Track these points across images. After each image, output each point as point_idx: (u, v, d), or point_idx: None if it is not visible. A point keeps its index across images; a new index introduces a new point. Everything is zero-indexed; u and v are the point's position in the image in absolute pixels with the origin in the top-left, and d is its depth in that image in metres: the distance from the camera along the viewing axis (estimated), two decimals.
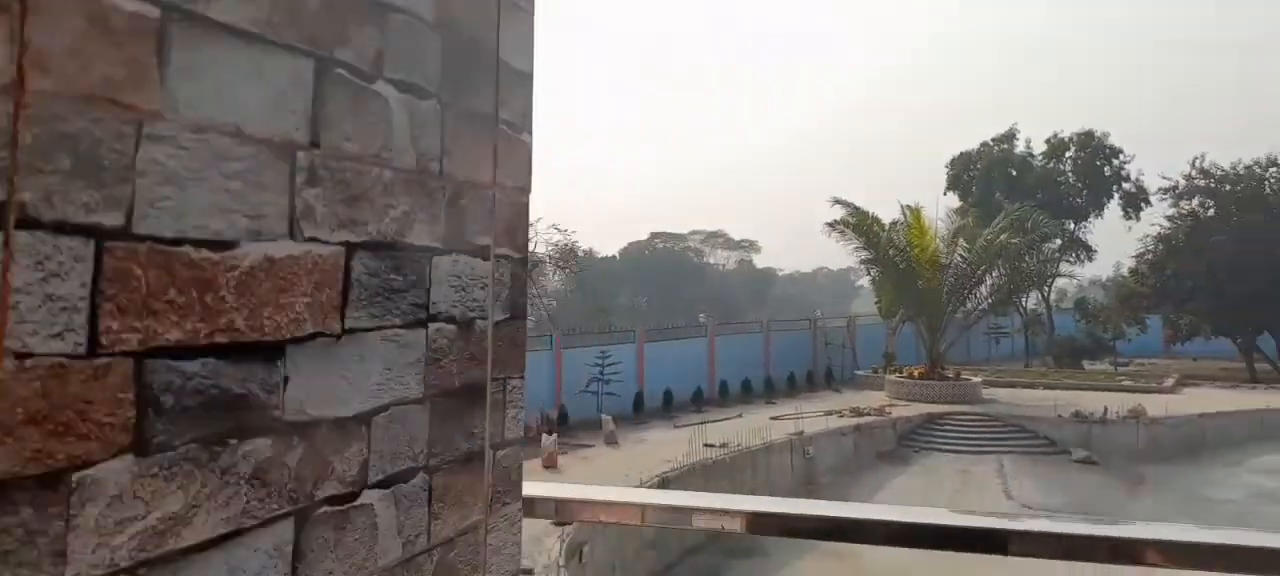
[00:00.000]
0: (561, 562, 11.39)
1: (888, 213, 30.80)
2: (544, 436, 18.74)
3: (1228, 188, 35.17)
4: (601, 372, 24.24)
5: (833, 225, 30.91)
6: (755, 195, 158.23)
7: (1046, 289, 46.03)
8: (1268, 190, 35.25)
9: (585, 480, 16.28)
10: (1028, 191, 42.35)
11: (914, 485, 20.82)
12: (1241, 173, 35.43)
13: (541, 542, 12.28)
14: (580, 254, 52.08)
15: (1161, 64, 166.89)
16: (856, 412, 25.19)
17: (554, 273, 48.73)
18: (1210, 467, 22.56)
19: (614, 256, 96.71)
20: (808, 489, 20.52)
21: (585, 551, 12.76)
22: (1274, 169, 36.23)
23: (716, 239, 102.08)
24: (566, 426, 22.57)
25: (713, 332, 31.58)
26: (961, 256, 30.25)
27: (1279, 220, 33.22)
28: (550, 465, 17.66)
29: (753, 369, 31.74)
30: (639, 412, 25.75)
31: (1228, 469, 22.37)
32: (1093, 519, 1.37)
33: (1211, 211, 35.20)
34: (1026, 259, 35.89)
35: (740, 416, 25.11)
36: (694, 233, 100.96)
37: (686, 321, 49.43)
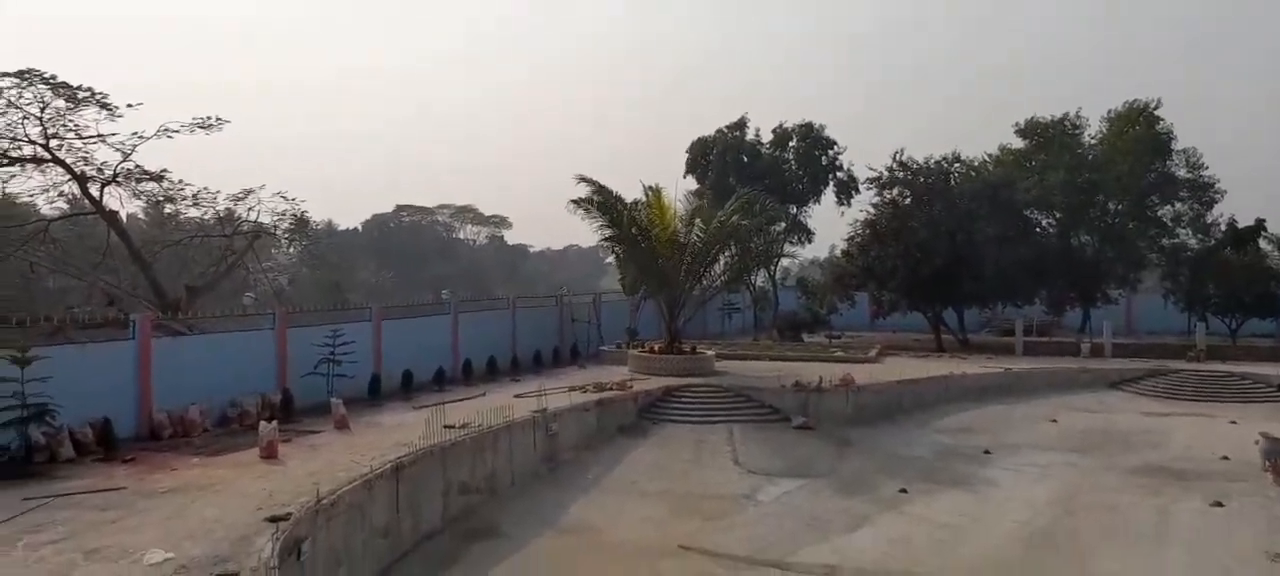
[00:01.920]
0: (274, 564, 10.34)
1: (631, 192, 31.50)
2: (262, 424, 17.11)
3: (922, 179, 39.72)
4: (332, 352, 22.68)
5: (578, 203, 31.12)
6: (506, 170, 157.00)
7: (773, 267, 49.76)
8: (952, 182, 40.30)
9: (311, 470, 15.06)
10: (757, 177, 45.39)
11: (651, 456, 21.49)
12: (932, 167, 40.18)
13: (251, 542, 11.12)
14: (316, 225, 48.72)
15: (868, 61, 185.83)
16: (599, 388, 25.59)
17: (288, 245, 45.05)
18: (906, 428, 25.39)
19: (356, 229, 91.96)
20: (550, 466, 20.52)
21: (304, 548, 11.71)
22: (957, 164, 41.56)
23: (466, 214, 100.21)
24: (293, 412, 20.88)
25: (456, 310, 30.71)
26: (698, 236, 31.66)
27: (958, 209, 38.10)
28: (269, 456, 16.16)
29: (499, 347, 31.34)
30: (375, 395, 24.46)
31: (919, 429, 25.29)
32: None
33: (908, 200, 39.60)
34: (756, 240, 38.49)
35: (484, 395, 24.63)
36: (443, 206, 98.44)
37: (433, 298, 47.96)
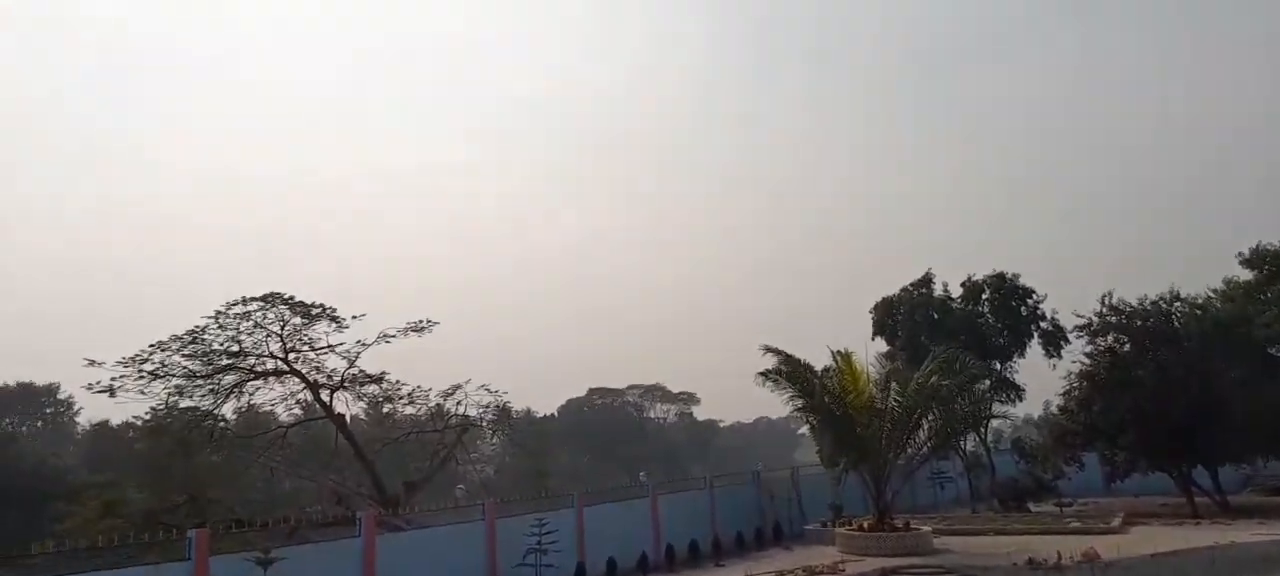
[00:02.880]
0: None
1: (819, 359, 30.75)
2: None
3: (1139, 322, 36.28)
4: (539, 542, 22.89)
5: (766, 374, 30.68)
6: (692, 348, 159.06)
7: (983, 430, 46.34)
8: (1176, 324, 36.49)
9: None
10: (951, 333, 43.17)
11: None
12: (1149, 308, 36.67)
13: None
14: (516, 414, 50.80)
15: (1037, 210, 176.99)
16: (810, 572, 24.19)
17: (492, 435, 47.20)
18: None
19: (552, 415, 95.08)
20: None
21: None
22: (1178, 303, 37.69)
23: (655, 392, 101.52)
24: None
25: (655, 493, 30.49)
26: (896, 400, 30.17)
27: (1190, 353, 34.22)
28: None
29: (699, 529, 30.58)
30: None
31: None
32: None
33: (1127, 346, 36.13)
34: (959, 400, 36.10)
35: None
36: (632, 387, 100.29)
37: (629, 480, 48.07)
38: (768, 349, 30.76)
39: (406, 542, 22.49)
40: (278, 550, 17.64)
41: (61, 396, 62.97)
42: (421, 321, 33.58)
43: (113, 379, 29.11)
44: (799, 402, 31.00)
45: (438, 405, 36.51)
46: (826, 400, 30.20)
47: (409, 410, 37.00)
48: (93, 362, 32.03)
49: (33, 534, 29.06)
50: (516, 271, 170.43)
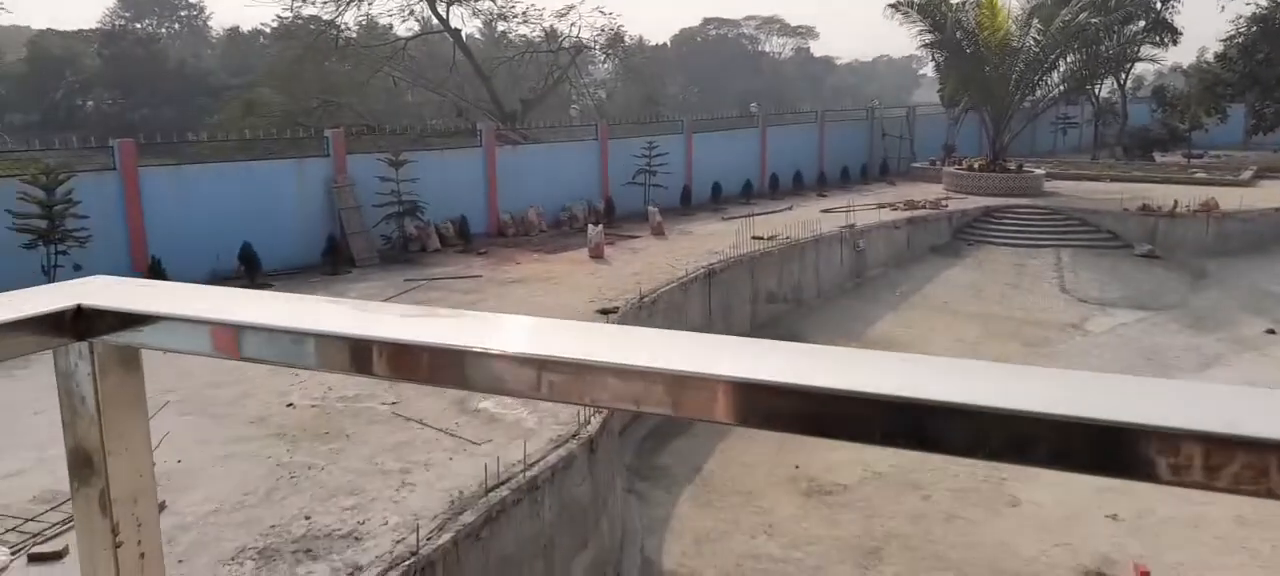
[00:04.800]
0: None
1: None
2: (590, 227, 18.58)
3: None
4: (649, 164, 23.70)
5: (896, 5, 28.88)
6: None
7: (1123, 75, 43.27)
8: None
9: (634, 270, 16.19)
10: None
11: (966, 277, 20.45)
12: None
13: None
14: (628, 40, 50.12)
15: None
16: (910, 205, 24.49)
17: (604, 60, 47.12)
18: (1278, 261, 21.66)
19: (665, 44, 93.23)
20: (856, 282, 20.29)
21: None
22: None
23: (772, 25, 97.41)
24: (613, 218, 22.35)
25: (764, 124, 30.51)
26: (1035, 39, 28.20)
27: None
28: (597, 255, 17.58)
29: (805, 162, 30.86)
30: (686, 205, 25.38)
31: None
32: None
33: None
34: (1106, 41, 33.44)
35: (790, 209, 24.61)
36: (749, 18, 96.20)
37: (739, 112, 48.12)
38: None
39: (524, 156, 23.64)
40: (407, 154, 18.90)
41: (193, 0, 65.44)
42: None
43: None
44: (928, 38, 29.45)
45: (551, 26, 36.31)
46: (958, 36, 28.51)
47: (523, 30, 36.99)
48: None
49: (184, 127, 31.85)
50: None
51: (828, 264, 19.63)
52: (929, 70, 52.52)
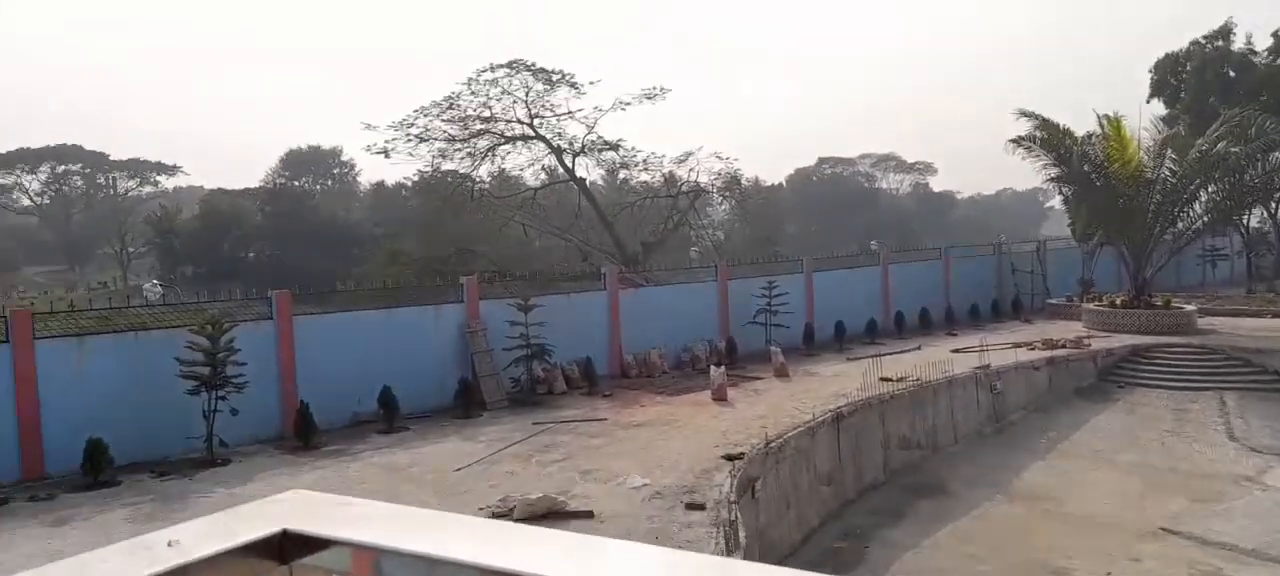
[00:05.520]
0: (733, 499, 11.15)
1: (1081, 124, 27.97)
2: (712, 368, 18.52)
3: None
4: (769, 303, 23.67)
5: (1018, 141, 28.45)
6: (929, 117, 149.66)
7: (1274, 204, 40.75)
8: None
9: (758, 413, 15.95)
10: (1250, 94, 37.33)
11: (1119, 423, 19.10)
12: None
13: (711, 476, 12.10)
14: (745, 182, 51.10)
15: None
16: (1050, 344, 23.36)
17: (720, 202, 48.16)
18: None
19: (780, 184, 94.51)
20: (996, 426, 19.29)
21: (758, 487, 12.47)
22: None
23: (888, 162, 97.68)
24: (735, 358, 22.25)
25: (886, 260, 30.15)
26: (1170, 170, 27.10)
27: None
28: (720, 398, 17.44)
29: (931, 299, 30.12)
30: (809, 344, 25.05)
31: None
32: None
33: None
34: (1249, 170, 31.74)
35: (918, 349, 23.91)
36: (864, 156, 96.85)
37: (858, 250, 47.78)
38: (1022, 113, 28.36)
39: (646, 297, 24.07)
40: (535, 298, 19.59)
41: (344, 158, 71.27)
42: (655, 88, 33.97)
43: (386, 142, 32.43)
44: (1053, 171, 28.79)
45: (670, 172, 37.49)
46: (1086, 169, 27.74)
47: (644, 176, 38.32)
48: (369, 126, 36.21)
49: (334, 275, 34.12)
50: (748, 38, 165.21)
51: (964, 407, 18.79)
52: (1056, 202, 51.01)
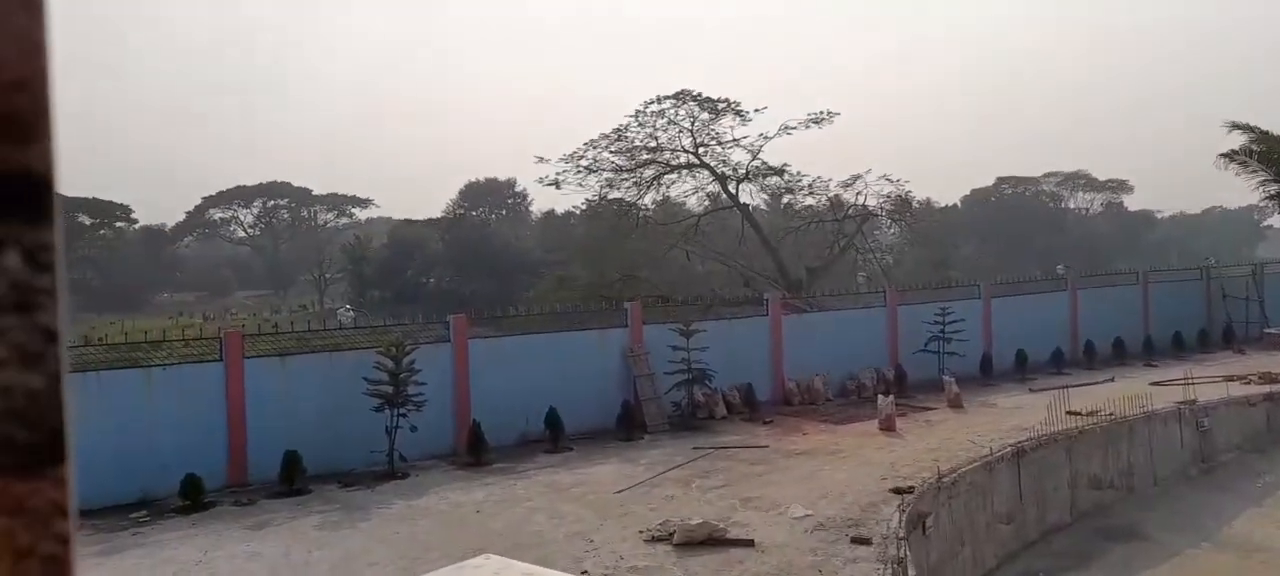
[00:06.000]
0: (902, 534, 10.63)
1: None
2: (880, 397, 17.84)
3: None
4: (942, 330, 22.56)
5: (1230, 155, 25.90)
6: (1126, 131, 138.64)
7: None
8: None
9: (929, 446, 15.20)
10: None
11: None
12: None
13: (877, 510, 11.61)
14: (916, 204, 49.28)
15: None
16: (1269, 379, 20.88)
17: (889, 226, 46.60)
18: None
19: (955, 205, 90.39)
20: (1202, 467, 17.43)
21: (929, 522, 11.83)
22: None
23: (1077, 181, 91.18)
24: (904, 387, 21.33)
25: (1074, 286, 28.05)
26: None
27: None
28: (887, 428, 16.75)
29: (1127, 327, 27.66)
30: (986, 374, 23.64)
31: None
32: None
33: None
34: None
35: (1112, 381, 22.02)
36: (1049, 175, 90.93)
37: (1042, 274, 44.82)
38: (1234, 125, 25.83)
39: (809, 323, 23.58)
40: (697, 323, 19.63)
41: (518, 189, 74.85)
42: (821, 113, 33.45)
43: (557, 173, 33.65)
44: (1273, 188, 25.95)
45: (836, 195, 36.67)
46: None
47: (809, 201, 37.69)
48: (541, 159, 37.78)
49: (505, 300, 35.68)
50: (922, 54, 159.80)
51: (1164, 445, 17.11)
52: (1276, 220, 45.90)
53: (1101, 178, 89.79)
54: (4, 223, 0.46)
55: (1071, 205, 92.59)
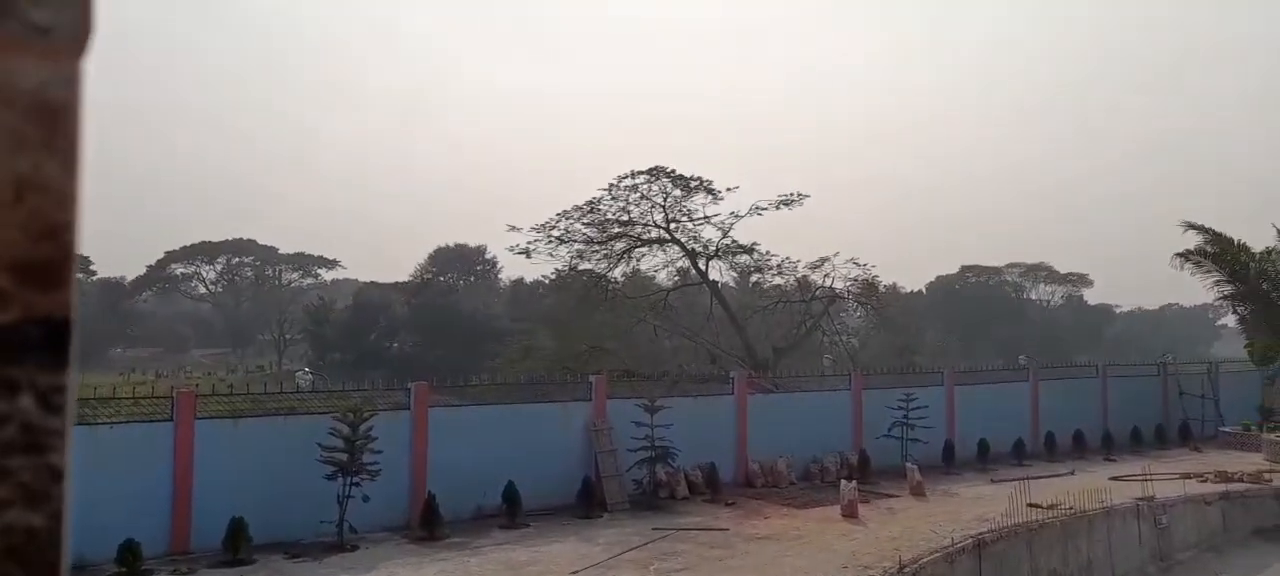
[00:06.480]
0: None
1: (1259, 238, 25.82)
2: (843, 482, 17.72)
3: None
4: (906, 416, 22.59)
5: (1186, 255, 26.58)
6: (1084, 225, 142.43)
7: None
8: None
9: (891, 534, 15.05)
10: None
11: None
12: None
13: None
14: (882, 288, 49.90)
15: None
16: (1225, 477, 21.10)
17: (855, 309, 47.08)
18: None
19: (920, 291, 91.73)
20: (1160, 565, 17.43)
21: None
22: None
23: (1038, 272, 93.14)
24: (867, 472, 21.23)
25: (1035, 376, 28.35)
26: None
27: None
28: (849, 514, 16.59)
29: (1086, 420, 27.91)
30: (949, 462, 23.63)
31: None
32: None
33: None
34: None
35: (1071, 473, 22.12)
36: (1012, 265, 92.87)
37: (1004, 363, 45.32)
38: (1190, 226, 26.62)
39: (774, 403, 23.51)
40: (662, 399, 19.47)
41: (488, 256, 74.82)
42: (791, 194, 33.99)
43: (528, 242, 33.68)
44: (1226, 288, 26.65)
45: (804, 276, 37.05)
46: (1265, 286, 25.56)
47: (778, 280, 38.03)
48: (513, 228, 37.75)
49: (470, 367, 35.26)
50: (885, 139, 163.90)
51: (1123, 541, 17.11)
52: (1230, 320, 47.04)
53: (1063, 270, 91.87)
54: (21, 366, 0.47)
55: (1033, 296, 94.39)
